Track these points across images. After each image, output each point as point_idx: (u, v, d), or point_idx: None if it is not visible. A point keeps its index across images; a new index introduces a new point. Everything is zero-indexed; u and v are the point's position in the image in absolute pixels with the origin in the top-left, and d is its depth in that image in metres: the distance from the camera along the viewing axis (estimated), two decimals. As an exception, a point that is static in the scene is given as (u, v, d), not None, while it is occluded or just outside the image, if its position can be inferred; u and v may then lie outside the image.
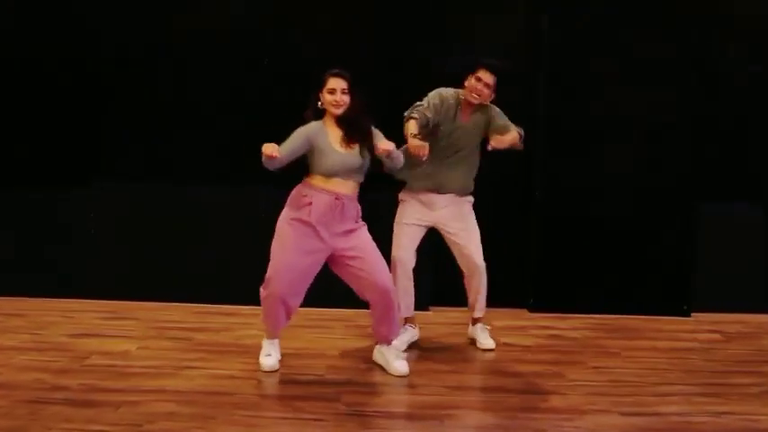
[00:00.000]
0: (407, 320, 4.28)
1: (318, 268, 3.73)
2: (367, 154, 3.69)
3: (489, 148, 3.95)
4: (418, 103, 4.03)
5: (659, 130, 5.11)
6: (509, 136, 3.95)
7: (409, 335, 4.28)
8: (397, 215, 4.21)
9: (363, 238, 3.74)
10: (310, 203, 3.65)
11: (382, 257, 3.77)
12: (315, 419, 3.24)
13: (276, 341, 3.92)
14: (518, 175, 5.16)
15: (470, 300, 4.31)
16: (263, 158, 3.48)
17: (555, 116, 5.11)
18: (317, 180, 3.69)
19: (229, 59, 5.10)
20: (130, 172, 5.20)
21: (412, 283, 4.16)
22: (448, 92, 4.07)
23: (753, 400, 3.60)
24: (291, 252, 3.64)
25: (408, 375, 3.77)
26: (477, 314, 4.34)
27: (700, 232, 5.21)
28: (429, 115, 3.97)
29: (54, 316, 4.79)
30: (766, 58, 5.20)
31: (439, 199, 4.13)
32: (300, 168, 3.75)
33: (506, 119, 4.11)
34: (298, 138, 3.65)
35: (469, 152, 4.16)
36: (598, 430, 3.20)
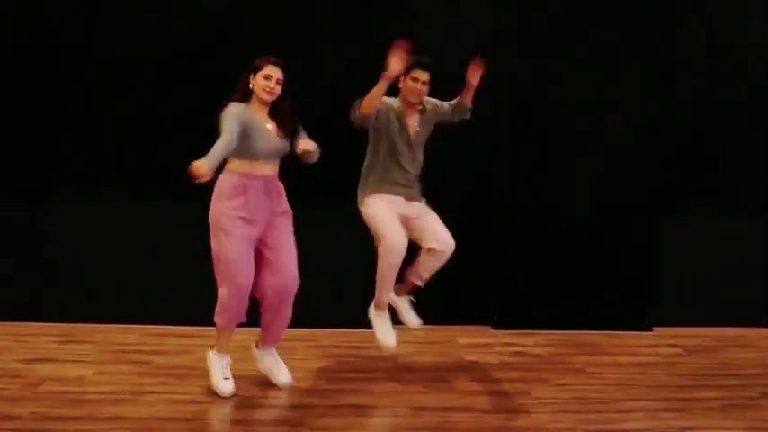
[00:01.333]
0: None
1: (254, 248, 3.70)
2: (287, 142, 3.69)
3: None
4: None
5: (619, 149, 5.17)
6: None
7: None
8: (370, 208, 4.10)
9: (287, 227, 3.76)
10: (244, 193, 3.59)
11: (294, 250, 3.75)
12: (278, 443, 3.18)
13: (227, 357, 3.80)
14: (481, 194, 5.16)
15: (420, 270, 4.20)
16: (195, 179, 3.23)
17: (517, 135, 5.14)
18: (242, 165, 3.60)
19: (195, 72, 5.02)
20: (86, 189, 5.07)
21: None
22: (391, 99, 4.11)
23: (716, 414, 3.64)
24: (239, 242, 3.57)
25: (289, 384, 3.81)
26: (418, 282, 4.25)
27: (659, 247, 5.27)
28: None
29: (6, 340, 4.63)
30: (728, 78, 5.30)
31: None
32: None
33: (443, 103, 4.23)
34: (233, 122, 3.48)
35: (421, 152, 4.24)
36: (564, 449, 3.19)
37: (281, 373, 3.84)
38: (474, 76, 4.05)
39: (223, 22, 5.02)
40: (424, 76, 4.04)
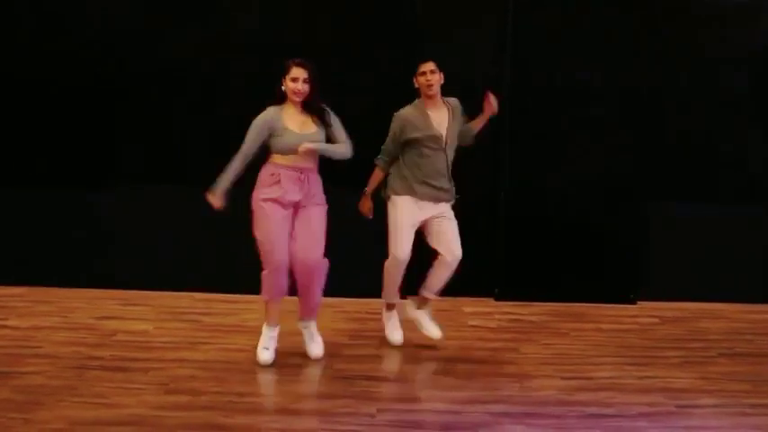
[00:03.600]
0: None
1: (289, 226, 4.16)
2: (323, 134, 4.17)
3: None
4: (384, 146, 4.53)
5: (610, 136, 5.81)
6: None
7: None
8: (393, 210, 4.49)
9: (316, 214, 4.17)
10: (279, 181, 4.10)
11: (320, 235, 4.17)
12: (310, 381, 3.99)
13: (276, 330, 4.28)
14: (484, 176, 5.84)
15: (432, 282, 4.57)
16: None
17: (515, 119, 5.77)
18: (278, 158, 4.12)
19: (240, 70, 5.71)
20: (143, 174, 5.86)
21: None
22: (404, 109, 4.45)
23: (674, 368, 4.34)
24: (274, 225, 4.06)
25: (321, 358, 4.31)
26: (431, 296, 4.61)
27: (646, 229, 5.91)
28: (391, 148, 4.47)
29: (77, 302, 5.45)
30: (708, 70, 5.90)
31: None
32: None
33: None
34: (254, 130, 4.10)
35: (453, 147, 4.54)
36: (540, 390, 3.94)
37: (312, 347, 4.34)
38: (490, 107, 4.45)
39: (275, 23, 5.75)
40: (427, 66, 4.35)
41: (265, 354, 4.24)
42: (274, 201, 4.12)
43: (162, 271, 5.85)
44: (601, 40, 5.75)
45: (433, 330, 4.58)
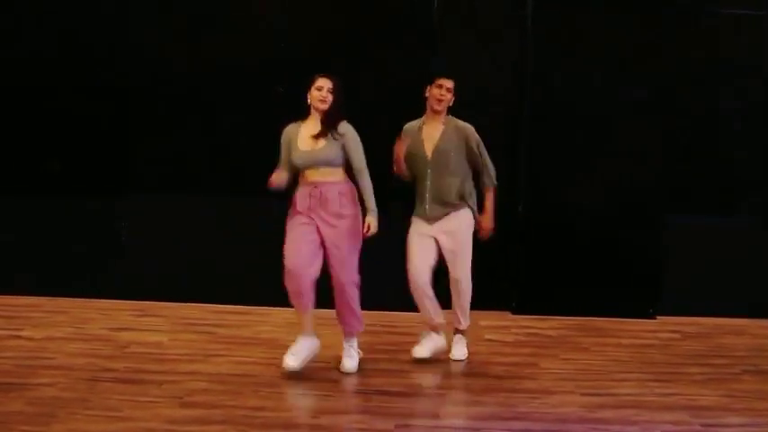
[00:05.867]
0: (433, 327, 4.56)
1: (317, 237, 4.14)
2: (337, 149, 4.12)
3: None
4: None
5: (631, 149, 5.73)
6: (490, 208, 4.54)
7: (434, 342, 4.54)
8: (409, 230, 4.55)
9: (335, 235, 4.14)
10: (298, 197, 4.18)
11: (354, 253, 4.19)
12: (326, 395, 3.91)
13: (308, 341, 4.20)
14: (501, 188, 5.72)
15: (456, 313, 4.61)
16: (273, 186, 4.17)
17: (535, 133, 5.74)
18: (300, 176, 4.21)
19: (256, 80, 5.71)
20: (159, 185, 5.85)
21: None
22: (411, 123, 4.51)
23: (698, 385, 4.24)
24: (292, 233, 4.14)
25: (354, 373, 4.22)
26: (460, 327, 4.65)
27: (665, 243, 5.82)
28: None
29: (91, 313, 5.42)
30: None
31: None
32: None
33: (481, 151, 4.50)
34: (282, 147, 4.25)
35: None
36: (561, 406, 3.85)
37: (344, 361, 4.29)
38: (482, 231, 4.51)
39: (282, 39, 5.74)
40: (446, 82, 4.39)
41: (287, 359, 4.15)
42: (295, 213, 4.19)
43: (176, 282, 5.82)
44: (620, 53, 5.68)
45: (456, 351, 4.57)
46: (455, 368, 4.46)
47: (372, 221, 4.18)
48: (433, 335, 4.55)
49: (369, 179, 4.22)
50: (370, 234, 4.19)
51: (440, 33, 5.70)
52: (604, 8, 5.67)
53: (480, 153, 4.50)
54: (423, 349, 4.47)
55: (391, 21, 5.70)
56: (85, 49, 5.78)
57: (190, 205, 5.83)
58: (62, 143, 5.85)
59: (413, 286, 4.45)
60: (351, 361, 4.29)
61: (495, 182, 4.57)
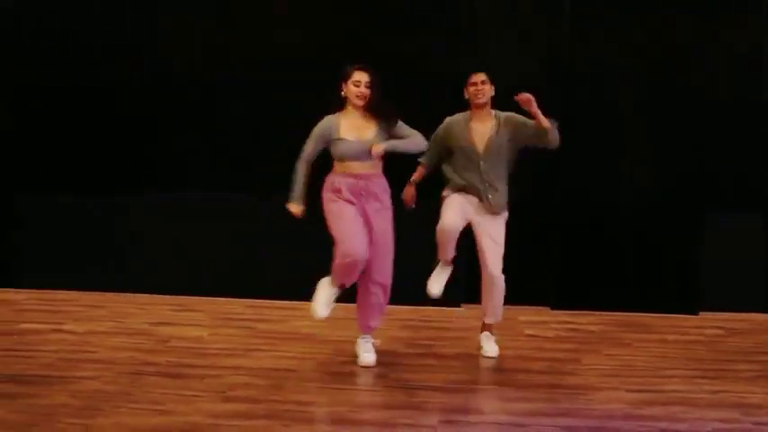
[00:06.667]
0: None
1: (363, 219, 4.11)
2: (381, 139, 4.08)
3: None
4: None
5: (671, 140, 5.64)
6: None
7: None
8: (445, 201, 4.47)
9: (384, 227, 4.15)
10: (339, 189, 4.12)
11: (392, 253, 4.19)
12: (369, 390, 3.88)
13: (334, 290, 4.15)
14: (540, 182, 5.70)
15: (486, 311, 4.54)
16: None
17: (573, 128, 5.55)
18: (338, 167, 4.16)
19: (275, 81, 5.72)
20: (199, 180, 5.87)
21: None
22: (453, 116, 4.51)
23: (746, 383, 4.13)
24: (345, 213, 4.07)
25: (373, 366, 4.19)
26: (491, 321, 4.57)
27: (708, 237, 5.71)
28: (432, 147, 4.44)
29: (131, 308, 5.45)
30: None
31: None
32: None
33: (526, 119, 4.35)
34: (312, 140, 4.16)
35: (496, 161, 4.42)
36: (607, 402, 3.77)
37: (365, 356, 4.24)
38: (527, 105, 4.19)
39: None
40: (478, 77, 4.34)
41: (368, 357, 4.23)
42: (342, 198, 4.12)
43: (213, 277, 5.84)
44: (654, 47, 5.59)
45: (488, 348, 4.52)
46: (497, 364, 4.40)
47: (380, 147, 4.05)
48: (447, 268, 4.51)
49: (420, 141, 4.18)
50: (373, 150, 4.06)
51: (470, 30, 5.66)
52: (641, 3, 5.57)
53: (523, 122, 4.34)
54: (437, 285, 4.46)
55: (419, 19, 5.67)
56: (106, 48, 5.84)
57: (225, 203, 5.84)
58: (102, 139, 5.90)
59: (441, 229, 4.31)
60: (371, 355, 4.26)
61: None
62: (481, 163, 4.39)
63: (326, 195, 4.19)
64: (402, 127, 4.19)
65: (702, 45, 5.62)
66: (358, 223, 4.10)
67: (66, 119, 5.92)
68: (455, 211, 4.35)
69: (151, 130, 5.91)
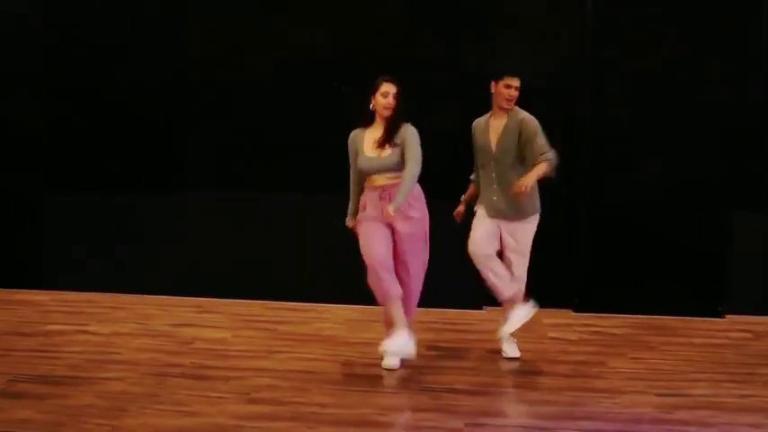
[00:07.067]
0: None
1: (389, 233, 4.14)
2: (399, 154, 4.10)
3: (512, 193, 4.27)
4: None
5: (696, 141, 5.56)
6: (533, 173, 4.23)
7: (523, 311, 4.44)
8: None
9: (409, 231, 4.13)
10: (365, 206, 4.20)
11: (421, 257, 4.20)
12: (394, 392, 3.86)
13: (403, 334, 4.04)
14: (563, 184, 5.59)
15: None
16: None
17: (598, 131, 5.63)
18: (367, 181, 4.22)
19: (299, 83, 5.73)
20: (217, 181, 5.89)
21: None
22: (478, 119, 4.54)
23: (775, 387, 4.08)
24: (370, 233, 4.13)
25: (397, 368, 4.17)
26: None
27: (733, 238, 5.64)
28: (475, 157, 4.53)
29: (151, 309, 5.47)
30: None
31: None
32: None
33: (538, 136, 4.31)
34: (350, 156, 4.26)
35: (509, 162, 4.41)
36: (634, 406, 3.73)
37: (385, 358, 4.23)
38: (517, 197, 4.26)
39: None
40: (515, 81, 4.35)
41: (390, 360, 4.20)
42: (366, 217, 4.19)
43: (233, 278, 5.85)
44: (681, 47, 5.53)
45: (509, 351, 4.50)
46: (522, 366, 4.37)
47: (391, 209, 4.03)
48: (513, 309, 4.43)
49: (413, 172, 4.10)
50: (384, 216, 4.08)
51: (493, 29, 5.64)
52: (666, 6, 5.52)
53: (532, 139, 4.31)
54: (511, 326, 4.43)
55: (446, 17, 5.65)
56: (137, 50, 5.88)
57: (242, 203, 5.85)
58: (122, 141, 5.93)
59: (474, 259, 4.37)
60: (388, 360, 4.22)
61: (553, 160, 4.29)
62: (493, 163, 4.41)
63: (360, 212, 4.27)
64: (409, 144, 4.12)
65: (734, 37, 5.54)
66: (378, 232, 4.12)
67: (87, 120, 5.95)
68: (480, 230, 4.39)
69: (168, 130, 5.92)
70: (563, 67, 5.67)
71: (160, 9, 5.87)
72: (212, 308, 5.55)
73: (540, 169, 4.25)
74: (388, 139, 4.14)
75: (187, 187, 5.93)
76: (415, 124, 4.21)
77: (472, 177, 4.64)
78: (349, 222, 4.34)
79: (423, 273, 4.27)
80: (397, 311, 4.07)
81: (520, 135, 4.35)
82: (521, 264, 4.45)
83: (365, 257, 4.13)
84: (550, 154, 4.28)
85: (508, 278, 4.40)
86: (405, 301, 4.18)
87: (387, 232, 4.15)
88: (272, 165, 5.82)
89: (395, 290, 4.08)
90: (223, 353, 4.44)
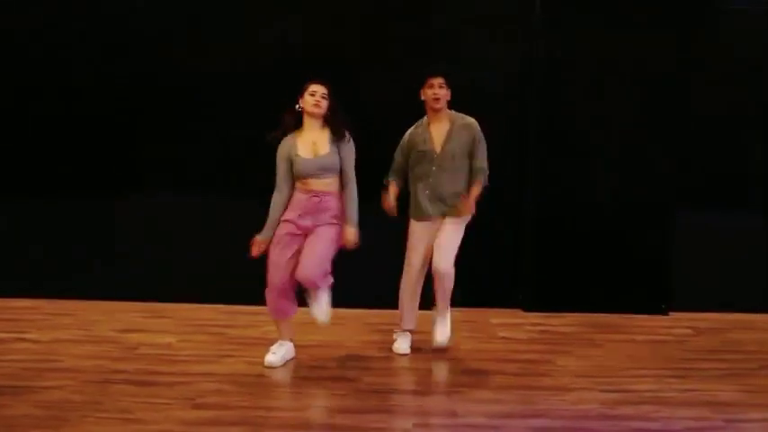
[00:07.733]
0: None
1: (298, 247, 4.18)
2: (337, 156, 4.17)
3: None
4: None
5: (641, 142, 5.67)
6: (474, 193, 4.43)
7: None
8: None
9: (323, 232, 4.16)
10: (297, 205, 4.19)
11: (323, 254, 4.13)
12: (342, 395, 3.83)
13: (286, 345, 4.34)
14: (510, 184, 5.68)
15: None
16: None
17: (544, 130, 5.68)
18: (299, 183, 4.22)
19: (269, 81, 5.64)
20: (166, 184, 5.78)
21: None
22: (412, 130, 4.56)
23: (715, 381, 4.19)
24: (278, 248, 4.18)
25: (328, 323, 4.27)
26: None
27: (675, 239, 5.77)
28: (399, 160, 4.58)
29: (97, 315, 5.34)
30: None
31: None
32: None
33: (482, 145, 4.48)
34: (279, 164, 4.23)
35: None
36: (580, 403, 3.79)
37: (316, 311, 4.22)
38: (465, 208, 4.42)
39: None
40: (437, 80, 4.39)
41: (270, 356, 4.27)
42: (288, 221, 4.19)
43: (181, 283, 5.75)
44: (629, 51, 5.62)
45: (436, 336, 4.54)
46: (471, 365, 4.40)
47: (353, 233, 4.18)
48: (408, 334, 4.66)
49: (356, 190, 4.24)
50: (349, 246, 4.19)
51: (442, 34, 5.64)
52: (611, 7, 5.61)
53: (478, 149, 4.47)
54: (403, 345, 4.57)
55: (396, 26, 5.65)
56: (93, 48, 5.71)
57: (191, 205, 5.76)
58: (62, 142, 5.76)
59: (404, 287, 4.55)
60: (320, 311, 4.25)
61: (487, 181, 4.53)
62: (434, 168, 4.45)
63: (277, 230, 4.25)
64: (348, 162, 4.22)
65: (682, 43, 5.66)
66: (289, 254, 4.17)
67: (33, 118, 5.77)
68: (418, 251, 4.51)
69: (117, 134, 5.79)
70: (508, 67, 5.71)
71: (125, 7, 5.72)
72: (161, 313, 5.45)
73: (479, 186, 4.46)
74: (330, 137, 4.18)
75: (136, 190, 5.81)
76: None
77: (390, 178, 4.62)
78: (262, 240, 4.21)
79: (327, 257, 4.17)
80: (286, 327, 4.36)
81: (472, 140, 4.44)
82: (448, 255, 4.44)
83: (269, 277, 4.20)
84: (486, 167, 4.49)
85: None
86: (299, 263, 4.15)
87: (297, 247, 4.17)
88: (222, 167, 5.74)
89: (290, 311, 4.28)
90: (169, 358, 4.37)
